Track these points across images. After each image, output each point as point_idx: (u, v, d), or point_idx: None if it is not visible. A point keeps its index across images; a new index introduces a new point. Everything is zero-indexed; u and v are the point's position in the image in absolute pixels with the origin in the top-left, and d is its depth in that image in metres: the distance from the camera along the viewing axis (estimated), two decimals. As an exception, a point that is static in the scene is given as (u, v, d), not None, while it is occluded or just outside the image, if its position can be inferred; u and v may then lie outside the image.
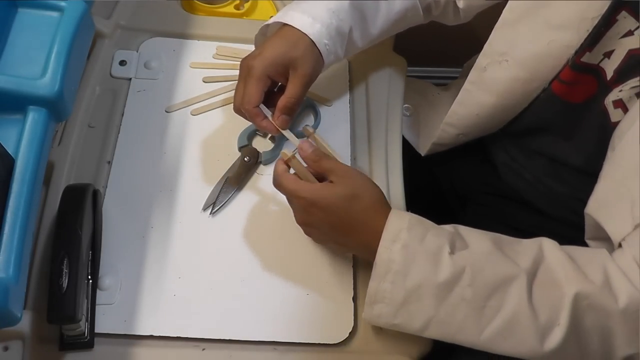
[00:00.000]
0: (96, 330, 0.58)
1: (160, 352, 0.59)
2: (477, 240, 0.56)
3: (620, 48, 0.59)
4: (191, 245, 0.65)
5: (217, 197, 0.68)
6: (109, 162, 0.69)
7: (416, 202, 0.71)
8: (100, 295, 0.60)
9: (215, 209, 0.67)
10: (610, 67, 0.61)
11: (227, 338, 0.60)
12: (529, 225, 0.77)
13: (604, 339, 0.53)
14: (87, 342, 0.57)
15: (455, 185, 0.88)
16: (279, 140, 0.73)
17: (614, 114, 0.61)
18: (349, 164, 0.72)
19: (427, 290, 0.54)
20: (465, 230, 0.58)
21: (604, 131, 0.61)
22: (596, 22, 0.59)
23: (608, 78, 0.61)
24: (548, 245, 0.57)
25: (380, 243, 0.55)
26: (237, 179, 0.69)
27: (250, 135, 0.73)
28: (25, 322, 0.57)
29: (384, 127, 0.77)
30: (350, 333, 0.61)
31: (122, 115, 0.73)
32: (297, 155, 0.61)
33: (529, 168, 0.77)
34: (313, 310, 0.62)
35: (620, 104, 0.60)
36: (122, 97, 0.74)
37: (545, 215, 0.77)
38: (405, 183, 0.73)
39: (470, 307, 0.53)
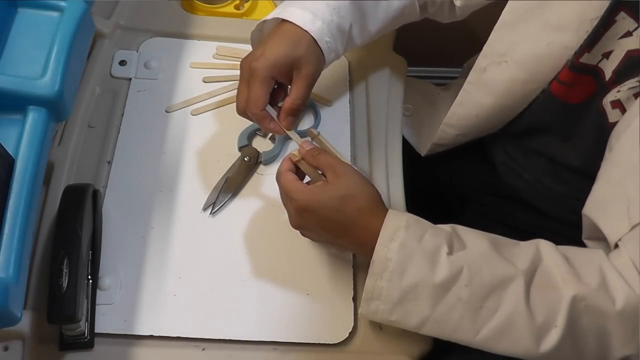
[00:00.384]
0: (96, 330, 0.58)
1: (160, 352, 0.59)
2: (475, 240, 0.56)
3: (619, 49, 0.59)
4: (191, 245, 0.65)
5: (217, 197, 0.68)
6: (109, 162, 0.69)
7: (416, 202, 0.72)
8: (100, 295, 0.60)
9: (216, 209, 0.67)
10: (608, 68, 0.61)
11: (227, 338, 0.60)
12: (528, 224, 0.78)
13: (600, 340, 0.53)
14: (87, 342, 0.58)
15: (454, 185, 0.88)
16: (278, 141, 0.73)
17: (612, 114, 0.61)
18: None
19: (423, 290, 0.54)
20: (463, 231, 0.58)
21: (602, 131, 0.62)
22: (595, 23, 0.59)
23: (607, 79, 0.61)
24: (545, 246, 0.57)
25: (378, 241, 0.55)
26: (237, 179, 0.69)
27: (250, 135, 0.73)
28: (25, 322, 0.57)
29: (384, 127, 0.77)
30: (350, 333, 0.61)
31: (122, 115, 0.73)
32: None
33: (528, 168, 0.77)
34: (313, 310, 0.62)
35: (618, 105, 0.60)
36: (122, 97, 0.74)
37: (544, 215, 0.77)
38: (405, 183, 0.73)
39: (466, 308, 0.54)
